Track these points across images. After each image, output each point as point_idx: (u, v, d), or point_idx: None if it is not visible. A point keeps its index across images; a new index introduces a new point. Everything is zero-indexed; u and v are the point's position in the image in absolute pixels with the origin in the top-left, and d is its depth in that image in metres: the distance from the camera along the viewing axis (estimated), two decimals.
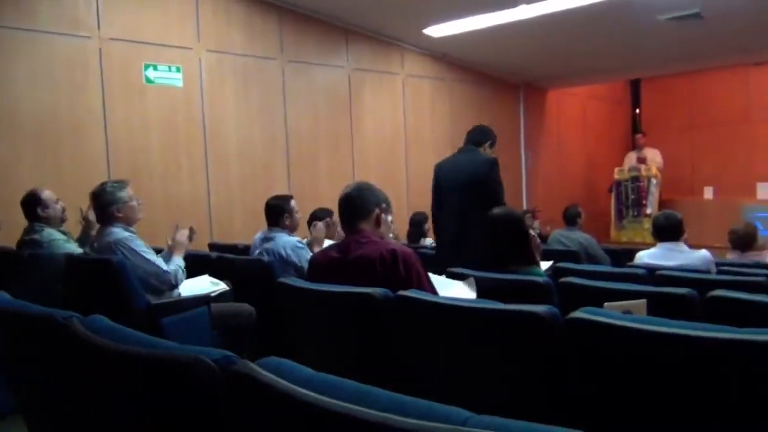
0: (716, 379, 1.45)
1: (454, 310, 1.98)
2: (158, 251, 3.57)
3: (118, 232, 3.33)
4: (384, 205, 2.61)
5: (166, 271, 3.34)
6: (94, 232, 3.79)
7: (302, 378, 1.02)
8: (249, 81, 6.52)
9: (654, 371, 1.53)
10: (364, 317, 2.16)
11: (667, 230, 4.09)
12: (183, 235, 3.60)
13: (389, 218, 2.65)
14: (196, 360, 1.14)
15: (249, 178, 6.45)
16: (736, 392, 1.43)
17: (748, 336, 1.40)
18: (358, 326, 2.20)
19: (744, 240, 4.99)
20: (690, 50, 8.22)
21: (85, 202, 3.78)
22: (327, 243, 4.05)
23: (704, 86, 10.75)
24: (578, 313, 1.66)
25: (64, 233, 4.07)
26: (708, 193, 10.18)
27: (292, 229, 4.14)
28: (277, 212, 4.10)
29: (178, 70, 5.95)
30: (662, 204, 9.38)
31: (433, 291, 2.44)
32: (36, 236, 3.94)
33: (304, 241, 4.18)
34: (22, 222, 4.06)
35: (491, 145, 4.28)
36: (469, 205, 3.92)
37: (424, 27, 7.18)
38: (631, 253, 4.54)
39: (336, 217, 3.56)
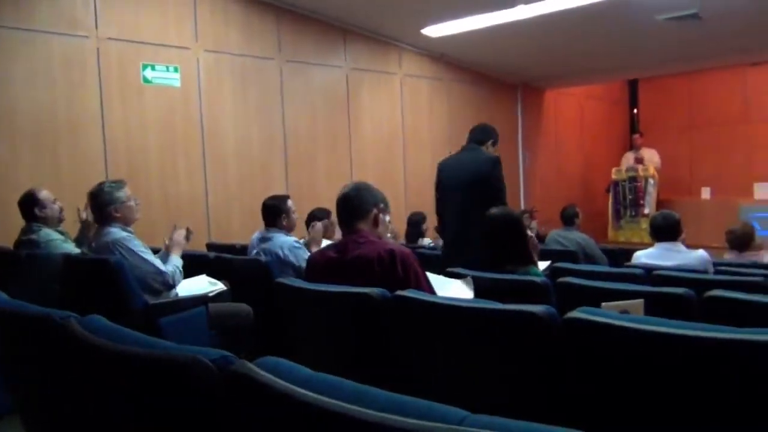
0: (714, 379, 1.45)
1: (452, 310, 1.98)
2: (156, 251, 3.57)
3: (116, 232, 3.33)
4: (382, 205, 2.61)
5: (164, 272, 3.33)
6: (91, 233, 3.79)
7: (300, 378, 1.02)
8: (247, 81, 6.52)
9: (651, 371, 1.54)
10: (362, 317, 2.16)
11: (665, 230, 4.10)
12: (180, 235, 3.60)
13: (387, 218, 2.65)
14: (193, 360, 1.14)
15: (247, 178, 6.44)
16: (734, 392, 1.43)
17: (746, 336, 1.40)
18: (356, 326, 2.20)
19: (741, 240, 5.00)
20: (688, 50, 8.23)
21: (83, 202, 3.78)
22: (325, 243, 4.04)
23: (702, 86, 10.77)
24: (576, 313, 1.66)
25: (61, 233, 4.06)
26: (705, 193, 10.20)
27: (289, 229, 4.14)
28: (274, 212, 4.10)
29: (175, 70, 5.95)
30: (660, 204, 9.40)
31: (431, 291, 2.44)
32: (33, 236, 3.93)
33: (302, 241, 4.18)
34: (20, 222, 4.05)
35: (494, 144, 4.27)
36: (471, 204, 3.90)
37: (422, 27, 7.18)
38: (628, 253, 4.54)
39: (334, 217, 3.56)
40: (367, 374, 1.22)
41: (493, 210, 3.11)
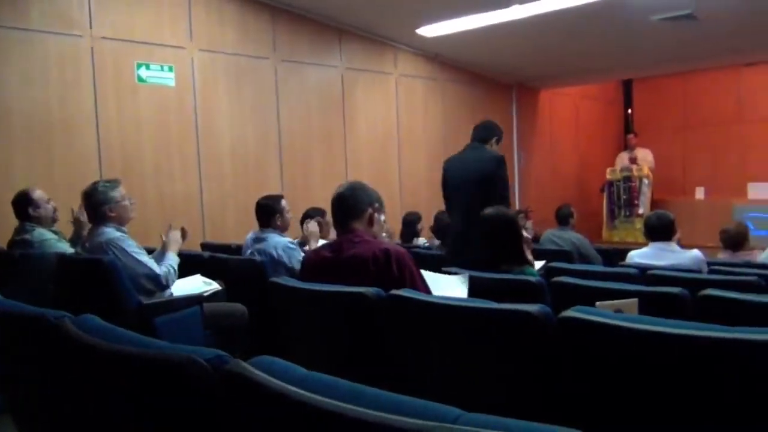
0: (708, 378, 1.46)
1: (447, 309, 1.98)
2: (150, 251, 3.56)
3: (110, 231, 3.31)
4: (377, 205, 2.61)
5: (158, 274, 3.32)
6: (85, 232, 3.78)
7: (295, 377, 1.01)
8: (242, 80, 6.51)
9: (646, 370, 1.54)
10: (357, 317, 2.16)
11: (659, 230, 4.11)
12: (176, 234, 3.60)
13: (382, 218, 2.65)
14: (188, 359, 1.14)
15: (242, 178, 6.44)
16: (728, 391, 1.43)
17: (740, 335, 1.41)
18: (351, 326, 2.20)
19: (735, 240, 5.02)
20: (683, 51, 8.25)
21: (77, 201, 3.76)
22: (320, 243, 4.04)
23: (696, 87, 10.80)
24: (570, 312, 1.66)
25: (55, 233, 4.04)
26: (699, 193, 10.23)
27: (283, 229, 4.13)
28: (268, 212, 4.10)
29: (170, 69, 5.93)
30: (654, 204, 9.43)
31: (427, 291, 2.44)
32: (27, 236, 3.92)
33: (296, 241, 4.17)
34: (13, 222, 4.04)
35: (498, 141, 4.26)
36: (475, 203, 3.90)
37: (417, 27, 7.18)
38: (622, 253, 4.56)
39: (329, 216, 3.56)
40: (362, 374, 1.22)
41: (488, 210, 3.12)
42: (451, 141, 8.19)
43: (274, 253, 3.94)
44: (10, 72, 5.05)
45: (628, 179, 9.91)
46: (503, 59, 8.58)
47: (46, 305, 1.60)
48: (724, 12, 6.54)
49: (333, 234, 3.35)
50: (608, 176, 10.09)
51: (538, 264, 3.70)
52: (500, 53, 8.24)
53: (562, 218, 5.76)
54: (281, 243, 3.98)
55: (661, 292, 2.47)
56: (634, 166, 9.96)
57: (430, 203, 6.86)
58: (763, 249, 4.86)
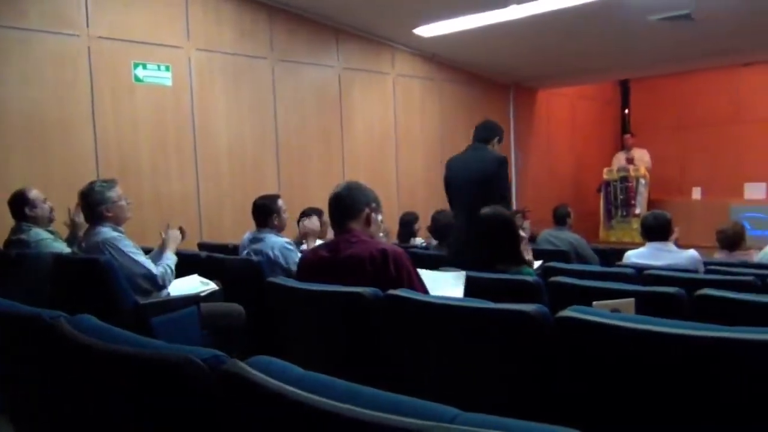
0: (705, 377, 1.46)
1: (444, 309, 1.98)
2: (147, 251, 3.55)
3: (107, 231, 3.31)
4: (374, 205, 2.61)
5: (154, 274, 3.32)
6: (82, 232, 3.77)
7: (292, 377, 1.01)
8: (239, 80, 6.50)
9: (643, 369, 1.54)
10: (354, 316, 2.16)
11: (656, 230, 4.11)
12: (175, 233, 3.59)
13: (379, 217, 2.65)
14: (185, 359, 1.13)
15: (239, 177, 6.43)
16: (725, 390, 1.44)
17: (737, 334, 1.41)
18: (348, 326, 2.20)
19: (732, 240, 5.03)
20: (680, 51, 8.26)
21: (74, 201, 3.76)
22: (317, 243, 4.04)
23: (693, 87, 10.81)
24: (567, 312, 1.66)
25: (51, 233, 4.04)
26: (696, 193, 10.26)
27: (279, 229, 4.13)
28: (265, 212, 4.09)
29: (167, 68, 5.92)
30: (651, 204, 9.44)
31: (424, 290, 2.44)
32: (23, 236, 3.91)
33: (292, 240, 4.17)
34: (10, 221, 4.03)
35: (499, 141, 4.27)
36: (477, 203, 3.90)
37: (415, 27, 7.18)
38: (619, 253, 4.56)
39: (326, 216, 3.55)
40: (359, 373, 1.21)
41: (485, 210, 3.12)
42: (448, 141, 8.21)
43: (271, 254, 3.93)
44: (8, 72, 5.04)
45: (625, 179, 9.93)
46: (500, 59, 8.59)
47: (43, 305, 1.59)
48: (721, 12, 6.55)
49: (330, 234, 3.35)
50: (605, 176, 10.10)
51: (539, 263, 3.71)
52: (497, 53, 8.25)
53: (559, 218, 5.76)
54: (278, 243, 3.98)
55: (658, 292, 2.48)
56: (631, 166, 9.98)
57: (428, 203, 6.86)
58: (760, 249, 4.87)
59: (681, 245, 4.21)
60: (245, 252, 4.07)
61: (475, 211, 3.74)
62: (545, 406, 1.71)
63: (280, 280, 2.50)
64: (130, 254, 3.28)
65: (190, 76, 6.10)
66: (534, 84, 9.95)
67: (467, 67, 8.84)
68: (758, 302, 2.21)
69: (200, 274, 3.77)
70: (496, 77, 9.33)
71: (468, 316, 1.90)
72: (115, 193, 3.38)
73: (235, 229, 5.59)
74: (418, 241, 6.24)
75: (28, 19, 5.12)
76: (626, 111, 11.78)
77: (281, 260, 3.91)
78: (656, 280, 3.13)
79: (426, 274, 2.64)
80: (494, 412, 0.84)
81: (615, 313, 1.72)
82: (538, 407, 1.72)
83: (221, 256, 4.17)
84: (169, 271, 3.41)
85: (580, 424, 0.88)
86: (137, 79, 5.73)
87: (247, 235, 4.19)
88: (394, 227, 6.62)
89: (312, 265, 2.58)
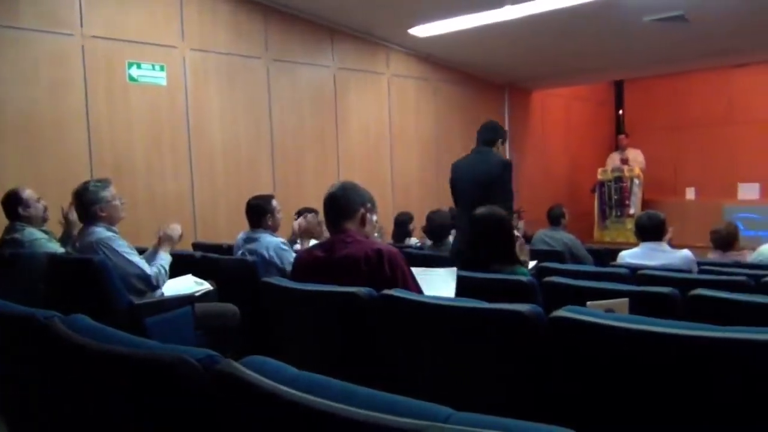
0: (699, 377, 1.46)
1: (438, 309, 1.98)
2: (141, 251, 3.54)
3: (100, 231, 3.30)
4: (369, 205, 2.61)
5: (148, 274, 3.31)
6: (75, 232, 3.76)
7: (287, 377, 1.01)
8: (233, 80, 6.50)
9: (637, 369, 1.55)
10: (349, 316, 2.16)
11: (650, 230, 4.13)
12: (175, 230, 3.55)
13: (374, 217, 2.65)
14: (179, 359, 1.13)
15: (233, 177, 6.42)
16: (719, 390, 1.44)
17: (730, 334, 1.42)
18: (343, 325, 2.20)
19: (726, 240, 5.05)
20: (674, 51, 8.29)
21: (68, 201, 3.75)
22: (312, 243, 4.03)
23: (687, 87, 10.84)
24: (562, 312, 1.67)
25: (45, 232, 4.02)
26: (690, 193, 10.29)
27: (274, 229, 4.12)
28: (259, 212, 4.08)
29: (162, 68, 5.91)
30: (645, 204, 9.47)
31: (419, 290, 2.44)
32: (17, 236, 3.89)
33: (286, 240, 4.16)
34: (3, 221, 4.01)
35: (503, 142, 4.29)
36: (480, 205, 3.90)
37: (410, 27, 7.19)
38: (614, 253, 4.58)
39: (321, 216, 3.55)
40: (353, 373, 1.22)
41: (480, 210, 3.12)
42: (443, 141, 8.22)
43: (266, 254, 3.92)
44: (2, 71, 5.02)
45: (619, 180, 9.96)
46: (495, 59, 8.59)
47: (37, 305, 1.59)
48: (715, 13, 6.58)
49: (325, 234, 3.35)
50: (599, 177, 10.13)
51: (533, 263, 3.72)
52: (492, 54, 8.26)
53: (554, 218, 5.78)
54: (273, 243, 3.97)
55: (652, 292, 2.49)
56: (625, 167, 10.01)
57: (423, 203, 6.87)
58: (753, 249, 4.89)
59: (675, 245, 4.23)
60: (240, 252, 4.07)
61: None
62: (539, 406, 1.71)
63: (275, 280, 2.50)
64: (124, 254, 3.27)
65: (185, 75, 6.09)
66: (529, 84, 9.97)
67: (462, 68, 8.84)
68: (751, 302, 2.22)
69: (195, 274, 3.76)
70: (491, 77, 9.34)
71: (462, 316, 1.90)
72: (109, 192, 3.36)
73: (230, 228, 5.58)
74: (413, 241, 6.25)
75: (23, 18, 5.11)
76: (620, 111, 11.80)
77: (276, 260, 3.91)
78: (650, 280, 3.14)
79: (417, 271, 2.64)
80: (488, 412, 0.84)
81: (609, 313, 1.73)
82: (533, 407, 1.72)
83: (216, 256, 4.16)
84: (162, 271, 3.40)
85: (574, 423, 0.88)
86: (132, 78, 5.72)
87: (241, 235, 4.18)
88: (389, 227, 6.62)
89: (307, 265, 2.58)
